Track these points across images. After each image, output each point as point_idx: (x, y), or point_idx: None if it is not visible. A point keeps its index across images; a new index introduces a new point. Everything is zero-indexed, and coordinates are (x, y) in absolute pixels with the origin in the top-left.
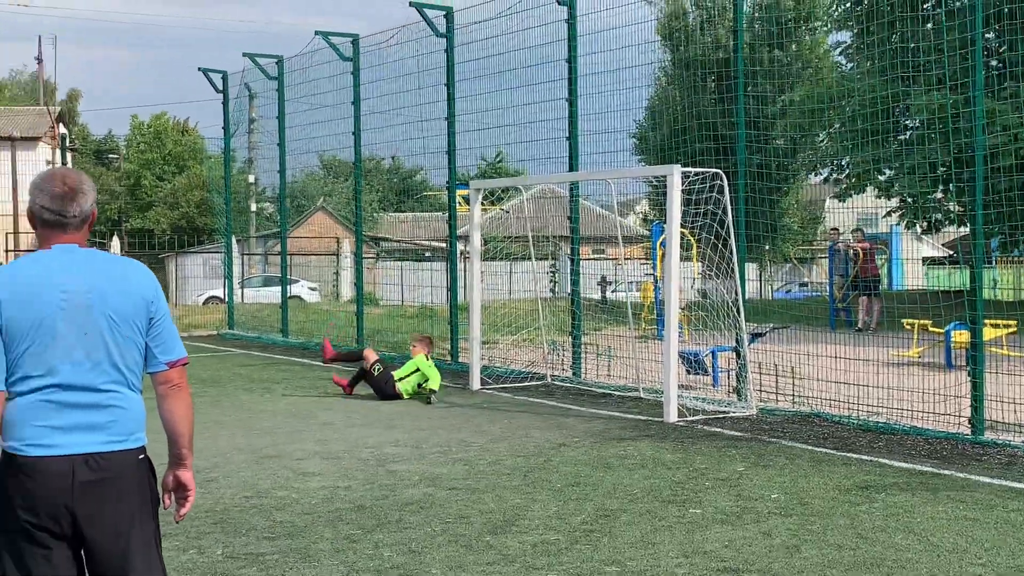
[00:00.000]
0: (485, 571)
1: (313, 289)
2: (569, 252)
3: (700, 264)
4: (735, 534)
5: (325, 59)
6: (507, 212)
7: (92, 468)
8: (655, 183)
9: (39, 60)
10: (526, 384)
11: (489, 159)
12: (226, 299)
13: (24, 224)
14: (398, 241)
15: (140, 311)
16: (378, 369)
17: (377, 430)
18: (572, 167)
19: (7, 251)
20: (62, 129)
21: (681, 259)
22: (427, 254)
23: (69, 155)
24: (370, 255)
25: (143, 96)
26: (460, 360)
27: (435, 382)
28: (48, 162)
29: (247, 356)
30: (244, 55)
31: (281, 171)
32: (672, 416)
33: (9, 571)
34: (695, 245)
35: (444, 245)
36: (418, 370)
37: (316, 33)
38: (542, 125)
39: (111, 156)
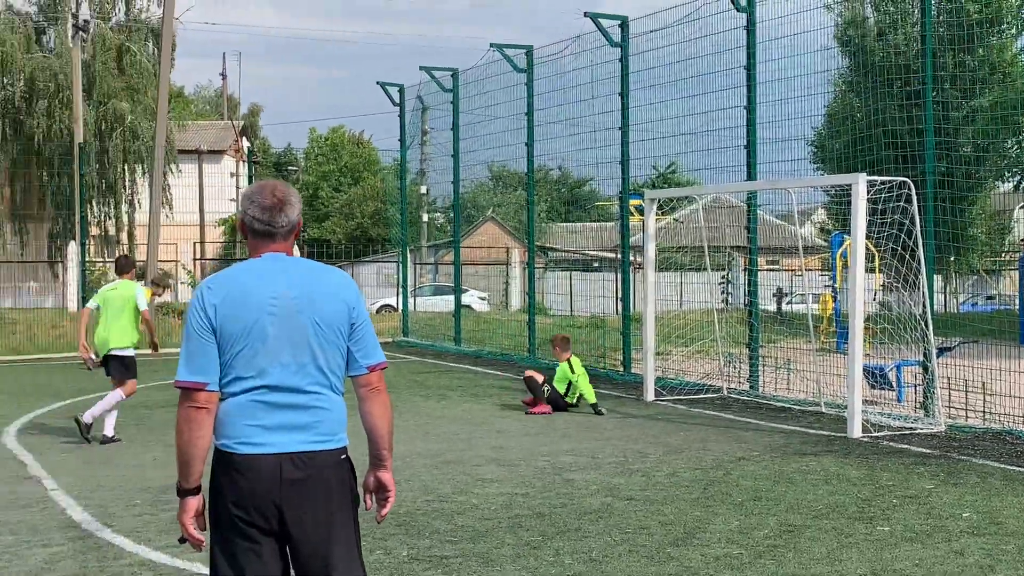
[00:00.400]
0: None
1: (483, 298)
2: (742, 262)
3: (881, 275)
4: (925, 553)
5: (499, 71)
6: (679, 222)
7: (298, 466)
8: (833, 192)
9: (223, 76)
10: (701, 396)
11: (661, 169)
12: (400, 308)
13: (210, 233)
14: (566, 251)
15: (343, 317)
16: (547, 391)
17: (552, 439)
18: (750, 176)
19: (195, 259)
20: (246, 142)
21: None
22: (595, 264)
23: (247, 167)
24: (539, 265)
25: (321, 110)
26: (633, 371)
27: (589, 393)
28: (232, 174)
29: (422, 363)
30: (421, 68)
31: (455, 182)
32: (856, 431)
33: (221, 565)
34: (877, 256)
35: (612, 255)
36: (568, 380)
37: (491, 46)
38: (717, 134)
39: (290, 168)
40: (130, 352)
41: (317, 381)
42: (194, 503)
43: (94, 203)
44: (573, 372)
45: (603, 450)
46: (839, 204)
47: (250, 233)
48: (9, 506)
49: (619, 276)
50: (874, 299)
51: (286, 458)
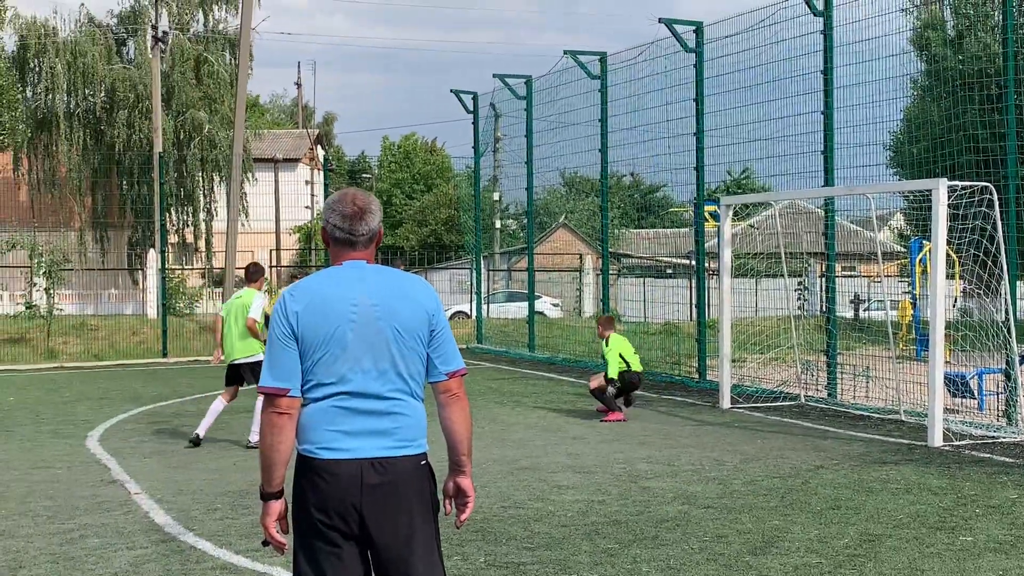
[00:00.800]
0: None
1: (555, 305)
2: (818, 269)
3: (961, 282)
4: (1009, 563)
5: (573, 77)
6: (754, 228)
7: (378, 471)
8: (912, 197)
9: (298, 85)
10: (778, 404)
11: (735, 175)
12: (474, 314)
13: (286, 241)
14: (640, 257)
15: (423, 323)
16: (612, 391)
17: (628, 446)
18: (828, 181)
19: (271, 266)
20: (320, 151)
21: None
22: (668, 271)
23: (323, 175)
24: (612, 271)
25: (393, 118)
26: (708, 378)
27: (612, 368)
28: (307, 182)
29: (496, 370)
30: (494, 76)
31: (528, 188)
32: (937, 440)
33: (303, 568)
34: (956, 262)
35: (686, 261)
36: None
37: (564, 52)
38: (793, 139)
39: (364, 176)
40: (258, 358)
41: (397, 387)
42: (276, 506)
43: (173, 211)
44: (608, 347)
45: (679, 458)
46: (918, 209)
47: (331, 241)
48: (94, 509)
49: (694, 283)
50: (954, 305)
51: (367, 463)
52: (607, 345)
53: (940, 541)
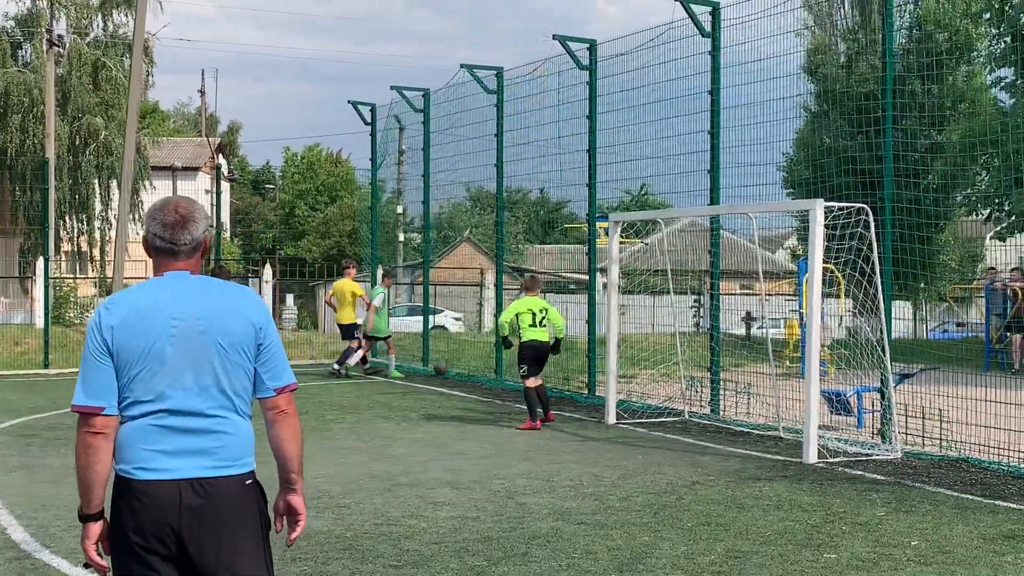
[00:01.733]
0: None
1: (457, 319)
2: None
3: (848, 300)
4: None
5: (470, 91)
6: (647, 245)
7: (198, 493)
8: (804, 218)
9: (202, 92)
10: (663, 420)
11: (633, 192)
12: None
13: None
14: (542, 272)
15: (249, 337)
16: (523, 371)
17: (510, 461)
18: (713, 200)
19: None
20: (222, 160)
21: (827, 295)
22: (571, 286)
23: (226, 185)
24: (514, 287)
25: (300, 128)
26: (597, 393)
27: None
28: (207, 191)
29: (388, 384)
30: (392, 87)
31: (425, 202)
32: (812, 457)
33: None
34: (841, 281)
35: (586, 277)
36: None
37: (461, 66)
38: (685, 158)
39: (268, 186)
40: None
41: (221, 404)
42: (96, 528)
43: (67, 218)
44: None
45: (559, 473)
46: (807, 229)
47: (153, 251)
48: None
49: (588, 299)
50: (839, 324)
51: (185, 484)
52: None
53: (805, 558)
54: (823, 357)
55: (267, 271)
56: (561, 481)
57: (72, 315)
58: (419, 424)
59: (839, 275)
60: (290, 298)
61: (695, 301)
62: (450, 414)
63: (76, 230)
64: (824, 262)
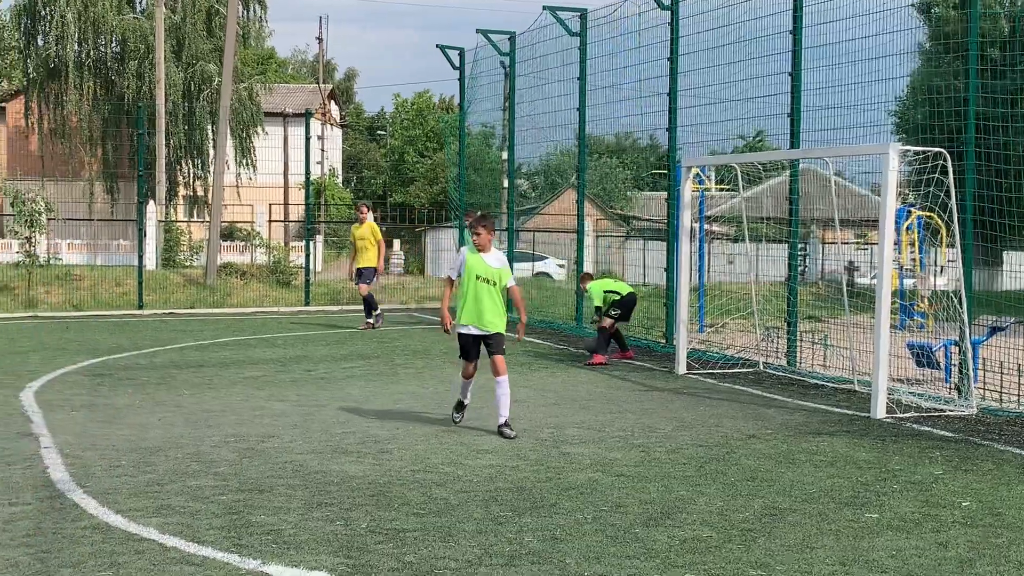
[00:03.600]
0: (620, 565)
1: (561, 266)
2: (823, 234)
3: (950, 250)
4: (906, 543)
5: (555, 34)
6: (733, 191)
7: None
8: (913, 164)
9: (319, 39)
10: (737, 371)
11: (748, 138)
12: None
13: (294, 195)
14: (647, 220)
15: None
16: (606, 323)
17: (566, 409)
18: (793, 144)
19: (269, 221)
20: (335, 106)
21: (929, 245)
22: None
23: (339, 131)
24: (619, 234)
25: (411, 74)
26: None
27: (596, 300)
28: (319, 137)
29: None
30: (477, 31)
31: (510, 147)
32: (880, 412)
33: None
34: (944, 230)
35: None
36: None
37: (544, 8)
38: (766, 101)
39: (380, 133)
40: None
41: None
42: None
43: (183, 163)
44: (589, 293)
45: (612, 423)
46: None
47: None
48: None
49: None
50: (939, 275)
51: None
52: (588, 293)
53: (844, 517)
54: (921, 309)
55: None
56: (612, 431)
57: (182, 257)
58: (484, 371)
59: (940, 223)
60: (396, 243)
61: (801, 249)
62: (520, 361)
63: (192, 175)
64: (926, 210)
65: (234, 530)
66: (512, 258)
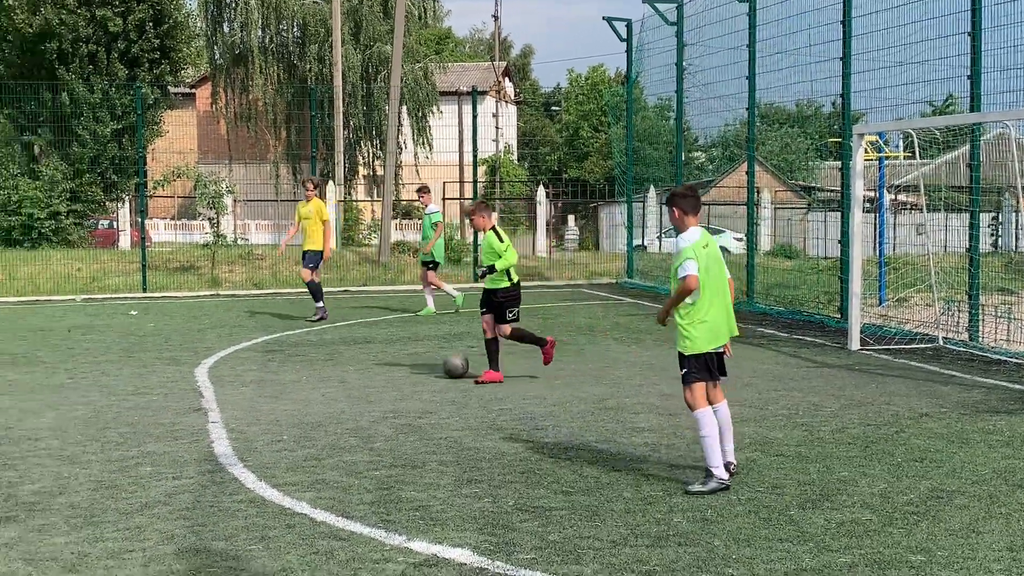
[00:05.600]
0: (771, 548)
1: (739, 239)
2: (1016, 203)
3: None
4: None
5: (723, 0)
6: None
7: None
8: None
9: (495, 17)
10: (914, 347)
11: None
12: (626, 249)
13: (470, 174)
14: (832, 191)
15: None
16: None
17: (729, 387)
18: (974, 107)
19: (443, 199)
20: (509, 83)
21: None
22: (867, 205)
23: (514, 108)
24: (800, 205)
25: (588, 48)
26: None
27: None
28: (493, 115)
29: (635, 306)
30: (643, 1)
31: (678, 118)
32: None
33: None
34: None
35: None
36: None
37: None
38: (940, 63)
39: (555, 109)
40: None
41: None
42: None
43: (362, 144)
44: (502, 242)
45: (776, 401)
46: None
47: None
48: (164, 437)
49: (875, 218)
50: None
51: None
52: (502, 241)
53: (1015, 500)
54: None
55: (539, 192)
56: (776, 410)
57: (361, 236)
58: (649, 347)
59: None
60: (571, 219)
61: (992, 219)
62: None
63: (370, 155)
64: None
65: (383, 505)
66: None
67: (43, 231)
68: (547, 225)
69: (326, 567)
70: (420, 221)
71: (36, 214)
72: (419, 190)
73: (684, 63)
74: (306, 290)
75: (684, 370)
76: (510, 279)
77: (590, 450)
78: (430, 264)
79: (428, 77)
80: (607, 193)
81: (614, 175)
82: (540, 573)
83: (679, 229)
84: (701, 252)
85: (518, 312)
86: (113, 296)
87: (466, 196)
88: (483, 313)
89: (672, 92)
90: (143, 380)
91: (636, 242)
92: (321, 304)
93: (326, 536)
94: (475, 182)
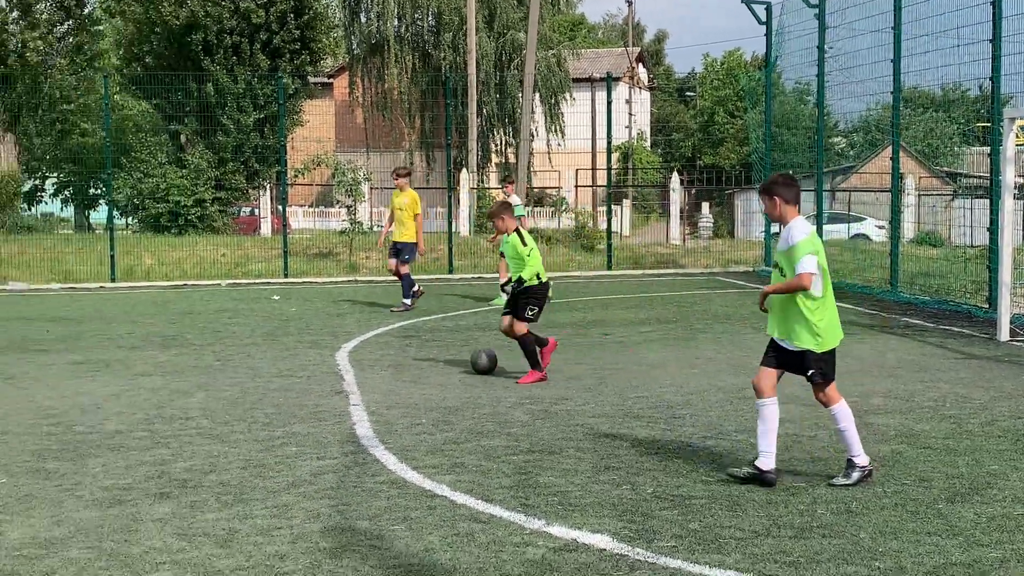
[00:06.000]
0: (918, 541)
1: (881, 227)
2: None
3: None
4: None
5: None
6: None
7: None
8: None
9: (629, 3)
10: None
11: None
12: (763, 237)
13: (602, 161)
14: (977, 176)
15: None
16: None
17: (873, 378)
18: None
19: (575, 186)
20: (640, 69)
21: None
22: (1017, 192)
23: (647, 94)
24: (946, 192)
25: (724, 33)
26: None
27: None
28: (626, 101)
29: None
30: None
31: (819, 102)
32: None
33: None
34: None
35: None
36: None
37: None
38: None
39: (690, 94)
40: None
41: None
42: None
43: (495, 132)
44: (526, 245)
45: (922, 393)
46: None
47: None
48: (308, 419)
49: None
50: None
51: None
52: (526, 244)
53: None
54: None
55: (674, 179)
56: (922, 401)
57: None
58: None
59: None
60: (706, 206)
61: None
62: None
63: (503, 143)
64: None
65: (522, 490)
66: (822, 220)
67: (189, 218)
68: (681, 212)
69: (467, 549)
70: (552, 209)
71: (183, 201)
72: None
73: (825, 46)
74: (435, 278)
75: (812, 370)
76: (538, 279)
77: (730, 440)
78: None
79: (561, 64)
80: (743, 180)
81: (750, 161)
82: (681, 561)
83: (781, 220)
84: (819, 245)
85: (538, 313)
86: (256, 281)
87: (599, 183)
88: (504, 313)
89: (812, 76)
90: (287, 363)
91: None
92: (416, 288)
93: (466, 518)
94: (609, 169)
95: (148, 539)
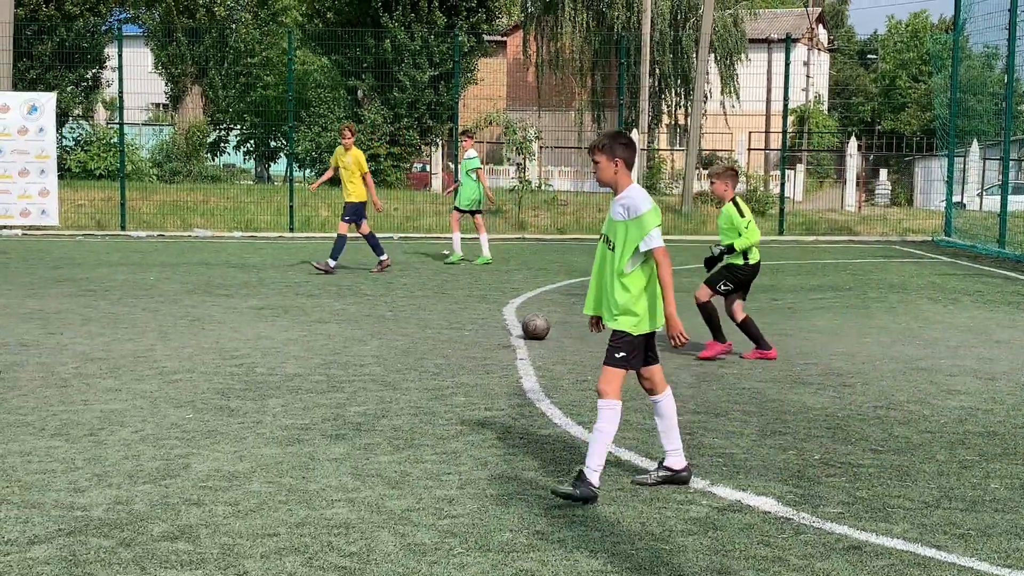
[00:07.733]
0: None
1: None
2: None
3: None
4: None
5: None
6: None
7: None
8: None
9: None
10: None
11: None
12: (944, 206)
13: (776, 123)
14: None
15: None
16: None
17: None
18: None
19: (748, 149)
20: (820, 30)
21: None
22: None
23: (827, 56)
24: None
25: None
26: None
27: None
28: (804, 63)
29: (952, 265)
30: None
31: (1009, 67)
32: None
33: None
34: None
35: None
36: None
37: None
38: None
39: (871, 57)
40: None
41: None
42: None
43: (667, 93)
44: (743, 216)
45: None
46: None
47: None
48: (476, 370)
49: None
50: None
51: None
52: (743, 215)
53: None
54: None
55: (851, 144)
56: None
57: (662, 185)
58: (966, 308)
59: None
60: (883, 173)
61: None
62: (1009, 300)
63: (676, 103)
64: None
65: (687, 449)
66: (1007, 190)
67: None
68: (857, 179)
69: (630, 503)
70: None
71: None
72: (462, 133)
73: (1019, 9)
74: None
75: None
76: (746, 259)
77: (901, 410)
78: (470, 211)
79: (738, 24)
80: (924, 147)
81: (933, 127)
82: (848, 528)
83: (615, 184)
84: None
85: (732, 292)
86: (427, 236)
87: (772, 147)
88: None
89: (1002, 40)
90: (455, 316)
91: (955, 199)
92: (384, 256)
93: (631, 474)
94: (784, 132)
95: (324, 477)
